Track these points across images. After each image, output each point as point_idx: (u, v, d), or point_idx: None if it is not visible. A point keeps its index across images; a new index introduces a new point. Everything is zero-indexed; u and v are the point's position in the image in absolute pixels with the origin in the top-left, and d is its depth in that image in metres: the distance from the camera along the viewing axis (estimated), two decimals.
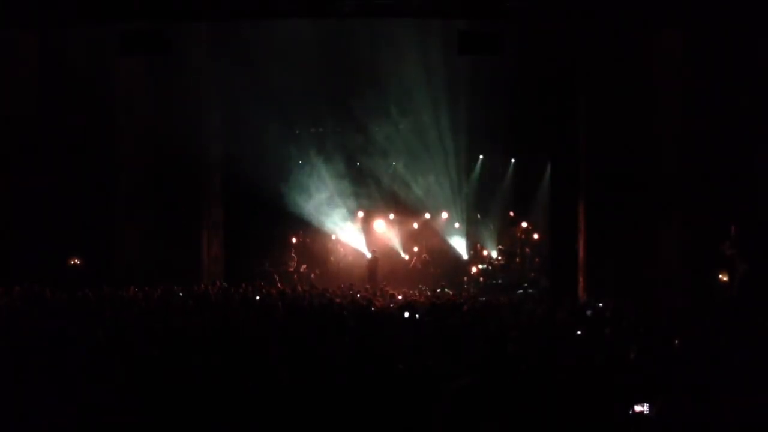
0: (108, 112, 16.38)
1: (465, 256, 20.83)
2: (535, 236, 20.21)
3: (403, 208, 21.10)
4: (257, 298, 12.56)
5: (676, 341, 7.38)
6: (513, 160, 20.67)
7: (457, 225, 21.01)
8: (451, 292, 15.98)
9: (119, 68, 16.15)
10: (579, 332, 8.35)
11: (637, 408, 5.09)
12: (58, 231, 15.79)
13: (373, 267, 19.78)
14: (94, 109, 16.10)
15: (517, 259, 20.24)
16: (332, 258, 21.18)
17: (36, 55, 15.88)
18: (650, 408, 5.04)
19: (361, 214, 21.11)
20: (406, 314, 10.13)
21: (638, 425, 5.11)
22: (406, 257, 20.91)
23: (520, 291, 17.38)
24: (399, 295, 14.05)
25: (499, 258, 20.10)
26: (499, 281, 19.18)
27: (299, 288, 15.06)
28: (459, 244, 20.98)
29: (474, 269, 19.97)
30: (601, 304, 11.35)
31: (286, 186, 19.81)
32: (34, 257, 15.30)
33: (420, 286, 16.00)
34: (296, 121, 18.90)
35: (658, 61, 14.49)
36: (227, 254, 18.73)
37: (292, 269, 20.02)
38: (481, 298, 14.05)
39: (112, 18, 13.85)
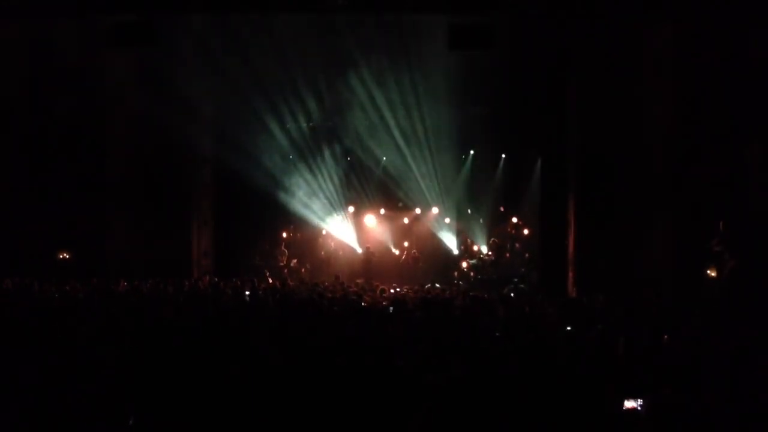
0: (98, 104, 16.30)
1: (455, 251, 20.86)
2: (526, 231, 20.24)
3: (394, 203, 21.11)
4: (247, 293, 12.53)
5: (666, 337, 7.43)
6: (503, 156, 20.69)
7: (447, 220, 21.04)
8: (441, 287, 15.98)
9: (109, 60, 16.06)
10: (569, 328, 8.38)
11: (629, 404, 5.11)
12: (47, 224, 15.72)
13: (367, 262, 19.78)
14: (83, 101, 16.02)
15: (507, 254, 20.27)
16: (323, 253, 21.17)
17: (25, 47, 15.77)
18: (642, 404, 5.06)
19: (351, 209, 21.12)
20: (391, 309, 10.16)
21: (630, 421, 5.13)
22: (397, 252, 20.93)
23: (510, 286, 17.40)
24: (390, 289, 14.05)
25: (490, 253, 20.12)
26: (490, 276, 19.20)
27: (290, 283, 15.03)
28: (449, 240, 21.02)
29: (464, 264, 20.00)
30: (590, 300, 11.39)
31: (277, 180, 19.78)
32: (24, 250, 15.23)
33: (416, 285, 15.99)
34: (287, 115, 18.86)
35: (649, 57, 14.52)
36: (217, 248, 18.70)
37: (282, 264, 19.99)
38: (471, 293, 14.07)
39: (102, 10, 13.78)
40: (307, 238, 21.22)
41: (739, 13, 12.57)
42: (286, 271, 19.61)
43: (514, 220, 20.64)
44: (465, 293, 14.04)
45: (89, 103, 16.12)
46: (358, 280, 16.20)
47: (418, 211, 21.08)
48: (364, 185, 20.95)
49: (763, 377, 5.31)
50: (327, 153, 20.36)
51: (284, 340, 7.35)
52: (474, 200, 21.06)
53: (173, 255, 16.46)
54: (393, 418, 5.84)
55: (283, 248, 20.32)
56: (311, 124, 19.57)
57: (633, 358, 6.37)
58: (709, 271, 12.64)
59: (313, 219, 20.75)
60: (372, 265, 19.73)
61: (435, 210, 20.91)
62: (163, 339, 7.45)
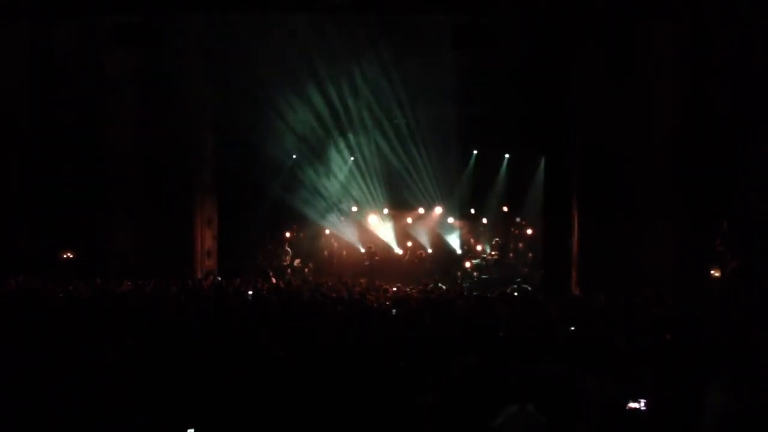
0: (99, 104, 16.31)
1: (458, 251, 20.86)
2: (529, 231, 20.24)
3: (397, 202, 21.10)
4: (250, 292, 12.54)
5: (667, 337, 7.43)
6: (507, 155, 20.69)
7: (450, 220, 21.04)
8: (444, 287, 15.98)
9: (110, 61, 16.06)
10: (572, 328, 8.38)
11: (629, 404, 5.12)
12: (50, 224, 15.74)
13: (371, 262, 19.79)
14: (85, 101, 16.03)
15: (511, 254, 20.27)
16: (326, 252, 21.19)
17: (26, 47, 15.78)
18: (642, 404, 5.07)
19: (354, 208, 21.13)
20: (394, 310, 10.18)
21: (630, 421, 5.14)
22: (400, 252, 20.94)
23: (514, 286, 17.40)
24: (393, 288, 14.05)
25: (493, 253, 20.13)
26: (493, 276, 19.22)
27: (293, 282, 15.02)
28: (453, 239, 21.02)
29: (468, 264, 19.99)
30: (591, 300, 11.39)
31: (280, 180, 19.79)
32: (27, 251, 15.25)
33: (419, 285, 16.04)
34: (289, 114, 18.88)
35: (650, 57, 14.50)
36: (220, 248, 18.70)
37: (285, 263, 20.00)
38: (474, 293, 14.07)
39: (102, 10, 13.79)
40: (310, 237, 21.22)
41: (739, 13, 12.56)
42: (289, 270, 19.62)
43: (518, 219, 20.65)
44: (468, 293, 14.06)
45: (89, 103, 16.12)
46: (362, 280, 16.20)
47: (421, 210, 21.08)
48: (368, 184, 20.95)
49: (763, 377, 5.30)
50: (330, 152, 20.38)
51: (287, 340, 7.37)
52: (477, 200, 21.05)
53: (175, 255, 16.45)
54: (395, 417, 5.85)
55: (286, 248, 20.32)
56: (313, 123, 19.57)
57: (633, 358, 6.37)
58: (713, 272, 12.63)
59: (316, 218, 20.75)
60: (375, 264, 19.75)
61: (438, 209, 20.91)
62: (166, 339, 7.48)
